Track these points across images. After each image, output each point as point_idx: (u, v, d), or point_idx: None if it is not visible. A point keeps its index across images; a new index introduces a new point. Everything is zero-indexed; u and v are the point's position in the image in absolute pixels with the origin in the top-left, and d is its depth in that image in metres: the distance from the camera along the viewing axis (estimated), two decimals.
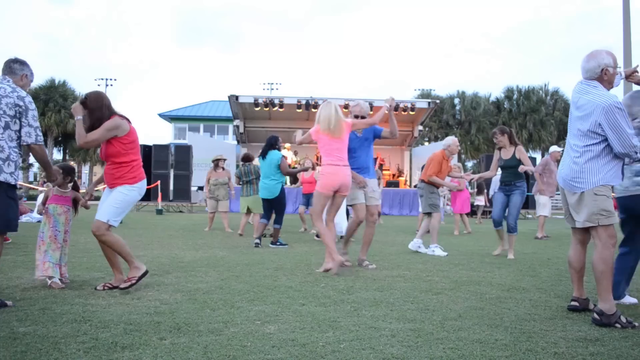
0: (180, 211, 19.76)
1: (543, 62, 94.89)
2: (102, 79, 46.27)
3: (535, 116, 38.27)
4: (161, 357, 2.51)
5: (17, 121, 3.64)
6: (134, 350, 2.60)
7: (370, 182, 5.62)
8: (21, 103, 3.63)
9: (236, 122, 21.99)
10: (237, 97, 19.55)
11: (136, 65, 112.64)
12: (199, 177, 22.40)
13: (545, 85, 40.55)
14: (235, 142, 27.07)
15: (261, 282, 4.52)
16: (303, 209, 10.66)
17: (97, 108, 4.06)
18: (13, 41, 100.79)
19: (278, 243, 7.56)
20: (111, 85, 45.25)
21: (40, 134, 3.77)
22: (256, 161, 9.39)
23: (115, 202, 4.08)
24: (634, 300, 3.92)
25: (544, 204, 10.46)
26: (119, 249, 4.12)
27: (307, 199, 10.27)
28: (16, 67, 3.80)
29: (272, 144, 7.81)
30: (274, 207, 7.85)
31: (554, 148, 10.33)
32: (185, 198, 19.84)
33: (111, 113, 4.12)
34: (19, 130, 3.66)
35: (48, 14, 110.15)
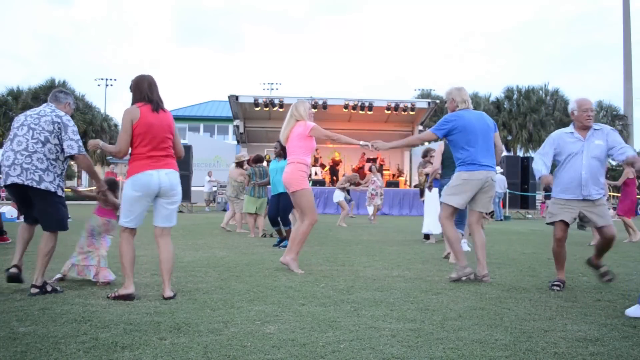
0: (180, 211, 19.74)
1: (543, 62, 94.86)
2: (102, 79, 46.41)
3: (535, 116, 38.23)
4: (161, 357, 2.51)
5: (56, 137, 4.03)
6: (134, 350, 2.60)
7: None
8: (59, 120, 4.05)
9: (236, 122, 22.01)
10: (237, 97, 19.57)
11: (136, 65, 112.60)
12: (199, 177, 22.41)
13: (545, 85, 40.54)
14: (235, 142, 27.07)
15: (261, 282, 4.52)
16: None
17: (133, 93, 3.96)
18: (13, 41, 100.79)
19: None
20: (111, 85, 45.49)
21: (82, 145, 4.14)
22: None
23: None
24: None
25: None
26: (120, 259, 3.91)
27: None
28: (61, 96, 4.32)
29: None
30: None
31: None
32: (185, 198, 19.81)
33: (136, 100, 3.93)
34: (59, 145, 4.05)
35: (48, 14, 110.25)
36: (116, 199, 4.54)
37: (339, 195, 13.70)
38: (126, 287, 3.80)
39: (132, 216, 3.92)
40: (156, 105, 3.91)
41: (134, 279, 3.90)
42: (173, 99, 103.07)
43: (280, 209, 7.65)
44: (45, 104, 4.23)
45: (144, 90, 3.91)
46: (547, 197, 25.12)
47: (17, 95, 34.95)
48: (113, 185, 4.65)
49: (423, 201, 9.66)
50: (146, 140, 3.84)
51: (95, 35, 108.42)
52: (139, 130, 3.83)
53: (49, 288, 3.94)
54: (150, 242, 7.84)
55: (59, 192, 4.06)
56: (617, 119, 38.91)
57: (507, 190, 18.44)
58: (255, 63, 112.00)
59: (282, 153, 7.71)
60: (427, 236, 8.70)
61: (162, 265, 3.98)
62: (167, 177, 3.90)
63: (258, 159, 9.40)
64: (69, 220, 4.28)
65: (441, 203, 5.04)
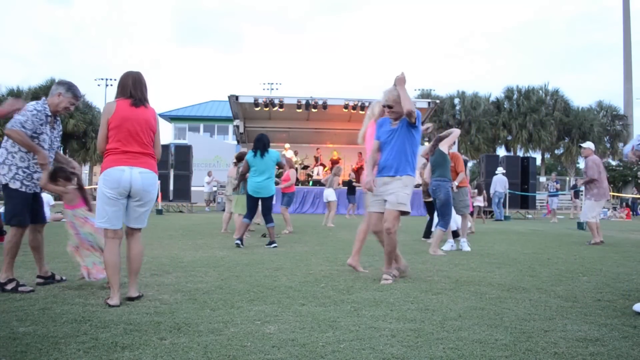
0: (180, 211, 19.76)
1: (543, 62, 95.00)
2: (102, 79, 46.31)
3: (535, 116, 38.23)
4: (161, 357, 2.51)
5: None
6: (134, 350, 2.60)
7: (388, 183, 4.80)
8: (23, 111, 4.04)
9: (236, 122, 21.98)
10: (237, 97, 19.54)
11: (136, 65, 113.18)
12: (199, 177, 22.42)
13: (545, 85, 40.55)
14: (235, 142, 27.07)
15: (261, 282, 4.52)
16: (286, 209, 10.60)
17: (117, 89, 3.84)
18: (13, 41, 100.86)
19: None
20: (111, 85, 45.24)
21: (20, 124, 3.97)
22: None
23: None
24: None
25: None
26: (104, 265, 3.78)
27: (288, 198, 10.58)
28: (53, 89, 4.25)
29: (268, 142, 7.74)
30: (267, 205, 7.69)
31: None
32: (185, 198, 19.85)
33: (118, 95, 3.79)
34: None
35: (48, 14, 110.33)
36: (65, 188, 4.27)
37: (331, 195, 13.14)
38: (111, 297, 3.60)
39: (105, 216, 3.65)
40: (137, 101, 3.74)
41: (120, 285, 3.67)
42: (173, 99, 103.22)
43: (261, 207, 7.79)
44: None
45: (128, 86, 3.77)
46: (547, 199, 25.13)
47: (17, 95, 34.90)
48: (60, 173, 4.31)
49: (425, 202, 9.58)
50: (120, 134, 3.65)
51: (95, 35, 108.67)
52: (113, 124, 3.65)
53: (8, 287, 3.98)
54: (150, 242, 7.87)
55: (12, 185, 4.04)
56: (617, 119, 38.91)
57: (508, 191, 18.44)
58: (255, 63, 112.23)
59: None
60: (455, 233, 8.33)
61: (128, 265, 3.78)
62: (141, 176, 3.65)
63: (240, 157, 9.37)
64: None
65: (401, 211, 4.82)
